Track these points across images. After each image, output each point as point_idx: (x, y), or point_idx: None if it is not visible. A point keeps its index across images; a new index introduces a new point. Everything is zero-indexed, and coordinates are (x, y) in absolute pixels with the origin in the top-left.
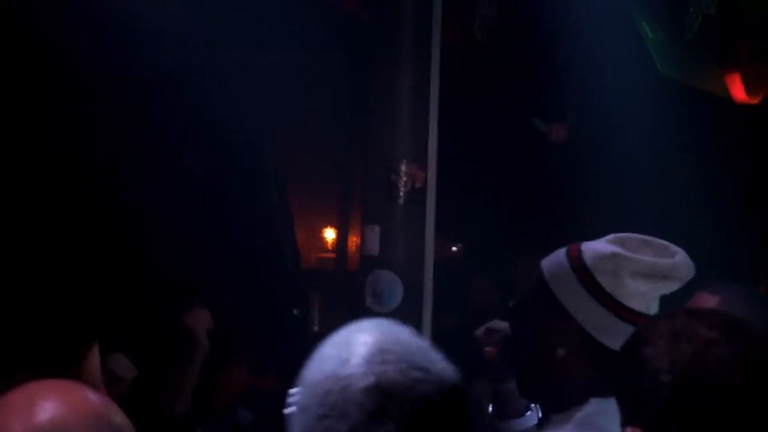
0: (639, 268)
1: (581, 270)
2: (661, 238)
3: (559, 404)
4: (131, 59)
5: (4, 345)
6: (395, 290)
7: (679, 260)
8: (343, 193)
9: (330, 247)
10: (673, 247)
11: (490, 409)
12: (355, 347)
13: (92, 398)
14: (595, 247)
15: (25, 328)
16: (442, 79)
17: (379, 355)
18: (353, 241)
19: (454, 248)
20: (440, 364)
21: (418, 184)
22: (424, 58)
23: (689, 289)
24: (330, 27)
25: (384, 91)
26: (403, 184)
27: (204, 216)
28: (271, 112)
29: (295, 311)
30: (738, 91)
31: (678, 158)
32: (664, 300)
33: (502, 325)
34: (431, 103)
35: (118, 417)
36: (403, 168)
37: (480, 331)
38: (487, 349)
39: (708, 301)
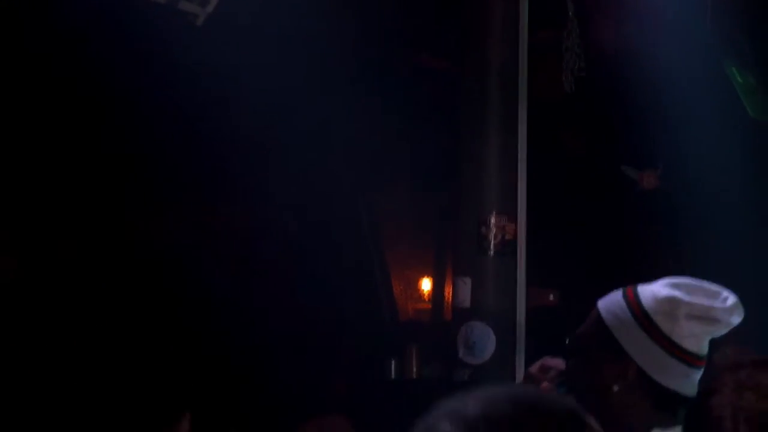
0: (693, 310)
1: (639, 312)
2: (751, 289)
3: None
4: (226, 121)
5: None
6: (487, 342)
7: (730, 305)
8: (437, 245)
9: (426, 298)
10: (725, 292)
11: None
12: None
13: None
14: (653, 290)
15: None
16: (531, 129)
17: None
18: (449, 291)
19: (550, 296)
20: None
21: (508, 236)
22: (512, 110)
23: None
24: (418, 84)
25: (473, 145)
26: (493, 236)
27: (303, 271)
28: (365, 167)
29: (393, 362)
30: None
31: None
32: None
33: (556, 361)
34: (519, 154)
35: None
36: (493, 220)
37: (534, 368)
38: (543, 385)
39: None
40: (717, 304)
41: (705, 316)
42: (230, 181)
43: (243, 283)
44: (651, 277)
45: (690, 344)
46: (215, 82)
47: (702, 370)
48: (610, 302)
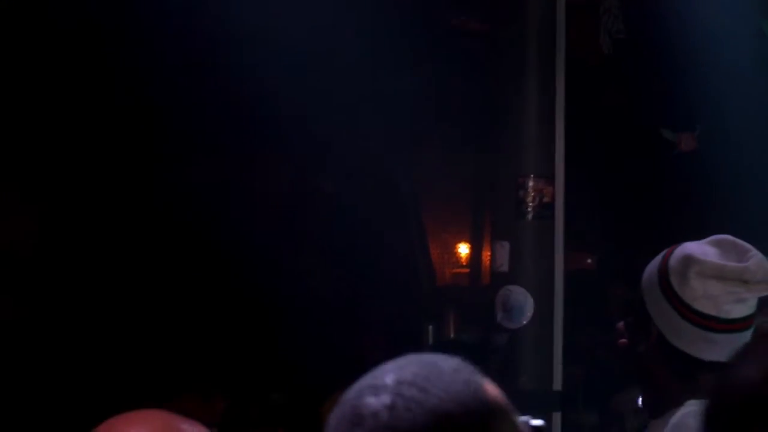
0: (705, 270)
1: (662, 271)
2: None
3: (655, 407)
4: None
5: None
6: (525, 306)
7: (751, 264)
8: (474, 209)
9: (464, 262)
10: (753, 252)
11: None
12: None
13: (185, 428)
14: (682, 248)
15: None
16: (568, 93)
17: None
18: (486, 255)
19: (588, 260)
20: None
21: (546, 199)
22: (550, 73)
23: None
24: (456, 46)
25: (510, 108)
26: (531, 199)
27: (340, 236)
28: (402, 131)
29: (430, 326)
30: None
31: None
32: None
33: None
34: (557, 117)
35: None
36: (531, 183)
37: (621, 324)
38: (621, 341)
39: None
40: (732, 262)
41: (719, 276)
42: (266, 142)
43: (279, 247)
44: (689, 239)
45: (704, 306)
46: (253, 42)
47: (735, 334)
48: (652, 263)
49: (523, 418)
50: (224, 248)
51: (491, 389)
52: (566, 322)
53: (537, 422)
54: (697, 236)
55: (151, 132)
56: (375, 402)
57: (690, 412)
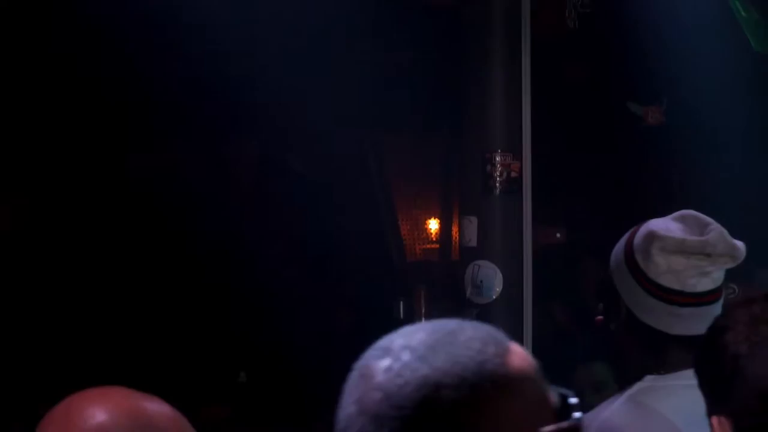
0: (667, 245)
1: (627, 249)
2: (754, 222)
3: (622, 382)
4: (221, 64)
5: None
6: (494, 280)
7: (711, 237)
8: (443, 185)
9: (433, 238)
10: (713, 225)
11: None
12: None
13: (145, 404)
14: (647, 225)
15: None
16: (534, 67)
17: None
18: (455, 231)
19: (557, 234)
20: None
21: (513, 174)
22: (516, 47)
23: None
24: (423, 21)
25: (477, 83)
26: (498, 174)
27: (308, 211)
28: (370, 108)
29: (401, 302)
30: None
31: None
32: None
33: None
34: (523, 92)
35: (176, 423)
36: (498, 158)
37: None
38: (598, 318)
39: None
40: (694, 236)
41: (681, 250)
42: (232, 122)
43: (247, 226)
44: (657, 212)
45: (669, 281)
46: (219, 28)
47: (702, 307)
48: (619, 242)
49: (562, 390)
50: (191, 230)
51: (514, 363)
52: (535, 296)
53: (574, 400)
54: (664, 209)
55: (118, 114)
56: (375, 364)
57: (645, 387)
